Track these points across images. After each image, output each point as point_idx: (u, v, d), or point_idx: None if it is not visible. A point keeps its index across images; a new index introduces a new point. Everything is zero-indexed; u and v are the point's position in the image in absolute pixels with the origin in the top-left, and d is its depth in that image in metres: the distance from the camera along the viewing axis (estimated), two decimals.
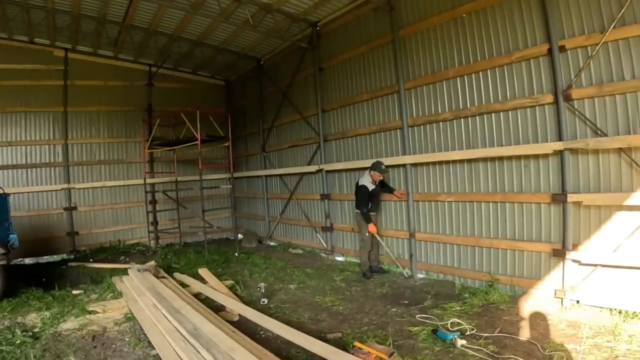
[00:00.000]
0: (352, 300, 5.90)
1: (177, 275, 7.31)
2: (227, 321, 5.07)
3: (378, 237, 7.09)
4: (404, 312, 5.31)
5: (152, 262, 7.83)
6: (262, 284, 6.63)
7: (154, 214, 11.75)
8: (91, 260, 9.85)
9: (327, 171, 8.80)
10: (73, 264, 9.34)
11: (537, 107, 5.32)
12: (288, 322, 4.99)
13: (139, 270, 6.79)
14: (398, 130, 7.20)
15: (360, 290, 6.39)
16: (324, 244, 9.14)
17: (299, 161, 9.92)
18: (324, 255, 9.01)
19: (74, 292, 6.81)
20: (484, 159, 5.91)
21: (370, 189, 6.88)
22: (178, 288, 6.12)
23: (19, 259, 10.21)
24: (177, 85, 12.50)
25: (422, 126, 6.82)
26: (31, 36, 10.45)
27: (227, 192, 13.00)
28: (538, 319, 4.82)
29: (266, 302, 5.94)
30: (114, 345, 4.75)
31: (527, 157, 5.43)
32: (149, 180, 11.51)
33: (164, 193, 11.29)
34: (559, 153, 5.07)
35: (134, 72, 11.94)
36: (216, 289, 6.27)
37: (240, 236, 11.35)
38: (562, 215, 5.11)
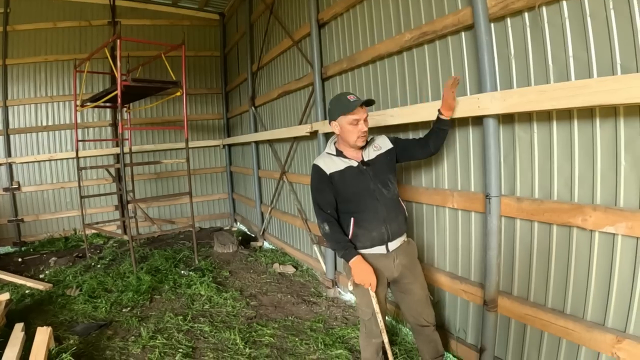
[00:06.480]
0: None
1: (16, 328, 3.59)
2: None
3: (373, 301, 2.48)
4: None
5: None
6: None
7: (118, 196, 8.14)
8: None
9: (327, 134, 4.43)
10: None
11: None
12: None
13: None
14: (463, 34, 2.73)
15: None
16: (323, 267, 4.92)
17: (291, 118, 5.62)
18: (323, 287, 4.83)
19: None
20: None
21: (330, 172, 2.50)
22: None
23: None
24: (151, 22, 8.51)
25: (522, 15, 2.32)
26: None
27: (221, 166, 9.17)
28: None
29: None
30: None
31: None
32: (85, 153, 7.85)
33: (106, 170, 7.53)
34: None
35: (91, 8, 8.13)
36: None
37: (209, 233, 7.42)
38: None
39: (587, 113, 2.06)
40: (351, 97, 2.44)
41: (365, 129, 2.46)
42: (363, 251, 2.49)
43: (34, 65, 7.90)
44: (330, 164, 2.53)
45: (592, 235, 2.10)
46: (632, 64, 1.85)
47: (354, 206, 2.50)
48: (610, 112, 1.97)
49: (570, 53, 2.10)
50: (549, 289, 2.35)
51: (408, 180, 3.43)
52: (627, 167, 1.94)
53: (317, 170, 2.55)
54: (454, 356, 3.05)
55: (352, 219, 2.49)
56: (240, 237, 7.15)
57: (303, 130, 4.70)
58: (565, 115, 2.16)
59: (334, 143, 2.63)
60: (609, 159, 2.00)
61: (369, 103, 2.47)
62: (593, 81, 1.88)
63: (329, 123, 2.55)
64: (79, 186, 6.78)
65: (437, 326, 2.84)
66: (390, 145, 2.67)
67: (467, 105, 2.51)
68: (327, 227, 2.46)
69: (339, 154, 2.56)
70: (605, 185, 2.03)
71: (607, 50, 1.94)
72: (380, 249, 2.51)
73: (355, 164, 2.52)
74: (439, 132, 2.60)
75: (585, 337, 2.12)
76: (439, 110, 2.55)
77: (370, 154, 2.59)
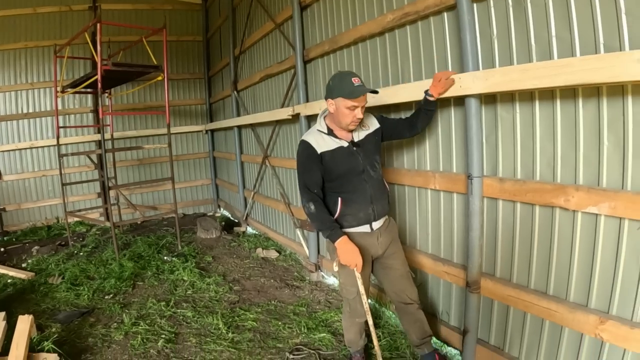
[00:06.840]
0: None
1: None
2: None
3: (359, 282, 2.42)
4: None
5: None
6: None
7: (101, 183, 7.87)
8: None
9: (309, 117, 4.36)
10: None
11: None
12: None
13: None
14: (445, 15, 2.61)
15: None
16: (306, 250, 4.88)
17: (273, 102, 5.46)
18: (306, 271, 4.78)
19: None
20: None
21: (321, 151, 2.39)
22: None
23: None
24: (132, 7, 8.14)
25: None
26: None
27: (204, 152, 8.94)
28: None
29: None
30: None
31: None
32: (67, 140, 7.54)
33: (88, 156, 7.22)
34: None
35: None
36: None
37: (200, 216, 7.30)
38: None
39: (570, 93, 2.00)
40: (356, 81, 2.29)
41: (361, 115, 2.36)
42: (348, 230, 2.43)
43: (14, 51, 7.51)
44: (321, 143, 2.42)
45: (574, 215, 2.06)
46: (615, 43, 1.78)
47: (342, 186, 2.43)
48: (593, 91, 1.91)
49: (553, 33, 2.02)
50: (532, 270, 2.32)
51: (390, 162, 3.36)
52: (610, 147, 1.89)
53: (306, 147, 2.42)
54: (437, 338, 3.03)
55: (339, 198, 2.42)
56: (223, 223, 7.01)
57: (285, 113, 4.58)
58: (548, 95, 2.10)
59: (324, 118, 2.51)
60: (592, 139, 1.95)
61: (373, 93, 2.39)
62: (576, 60, 1.82)
63: (325, 99, 2.42)
64: (61, 174, 6.53)
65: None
66: (377, 125, 2.59)
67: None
68: (312, 207, 2.37)
69: (330, 132, 2.45)
70: (588, 166, 1.98)
71: (590, 30, 1.87)
72: (364, 228, 2.47)
73: (345, 144, 2.44)
74: (428, 112, 2.54)
75: (568, 318, 2.09)
76: (427, 92, 2.47)
77: (360, 134, 2.51)
